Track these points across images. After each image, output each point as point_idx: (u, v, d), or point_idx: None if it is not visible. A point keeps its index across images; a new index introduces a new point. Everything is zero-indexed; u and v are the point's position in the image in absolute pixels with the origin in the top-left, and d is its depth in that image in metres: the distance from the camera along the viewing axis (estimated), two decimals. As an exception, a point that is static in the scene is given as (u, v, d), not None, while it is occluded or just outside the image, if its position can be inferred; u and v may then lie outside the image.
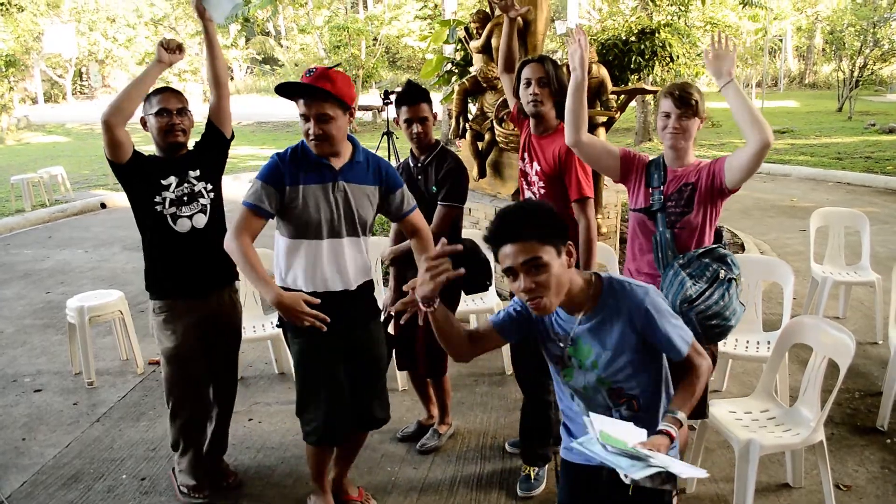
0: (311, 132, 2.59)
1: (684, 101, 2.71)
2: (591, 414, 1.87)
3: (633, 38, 7.19)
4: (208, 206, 3.16)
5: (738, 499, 2.92)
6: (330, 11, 22.51)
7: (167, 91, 3.12)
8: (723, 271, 2.68)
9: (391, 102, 9.17)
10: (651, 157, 2.94)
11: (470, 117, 5.95)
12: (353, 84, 2.71)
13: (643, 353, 1.98)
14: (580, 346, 2.00)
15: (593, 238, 3.08)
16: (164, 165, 3.11)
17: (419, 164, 3.43)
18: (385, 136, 9.85)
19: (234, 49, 26.33)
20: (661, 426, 1.88)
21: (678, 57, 7.17)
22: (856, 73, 19.66)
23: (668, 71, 7.23)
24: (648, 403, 2.04)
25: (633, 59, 6.95)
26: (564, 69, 5.48)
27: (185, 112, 3.09)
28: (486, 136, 5.76)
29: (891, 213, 8.82)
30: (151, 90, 3.13)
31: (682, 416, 1.91)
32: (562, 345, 2.03)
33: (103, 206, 10.62)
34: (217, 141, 3.22)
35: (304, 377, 2.84)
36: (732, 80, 2.58)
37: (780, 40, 27.82)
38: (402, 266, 3.48)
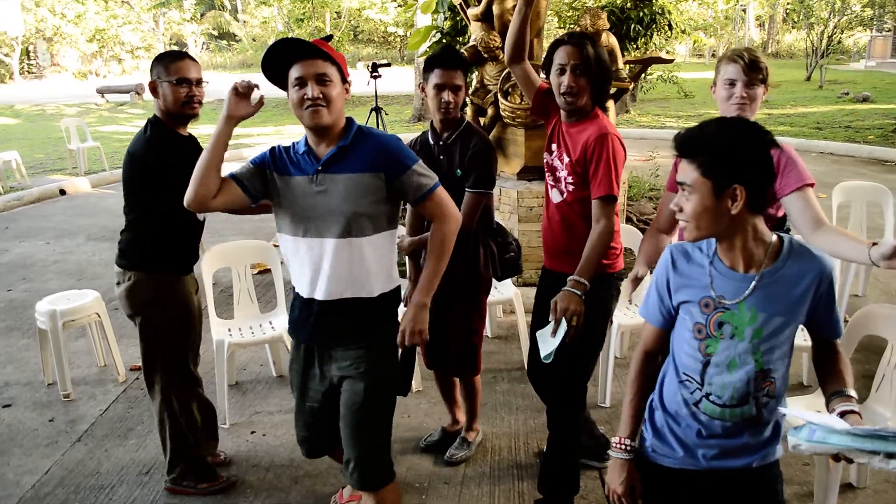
0: (308, 95, 2.19)
1: (754, 65, 2.39)
2: (784, 410, 1.78)
3: (629, 6, 6.85)
4: None
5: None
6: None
7: (186, 58, 2.86)
8: None
9: (379, 76, 8.62)
10: None
11: (470, 90, 5.53)
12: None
13: (797, 327, 1.79)
14: (742, 310, 1.73)
15: (607, 242, 2.61)
16: (196, 150, 2.83)
17: (441, 143, 3.00)
18: (374, 113, 9.29)
19: (192, 24, 25.23)
20: (843, 407, 1.67)
21: (677, 24, 6.84)
22: (824, 43, 19.63)
23: (666, 39, 6.90)
24: (778, 391, 1.80)
25: (633, 28, 6.61)
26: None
27: (202, 82, 2.88)
28: (489, 111, 5.36)
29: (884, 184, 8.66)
30: (168, 55, 2.85)
31: (854, 394, 1.73)
32: (713, 309, 1.76)
33: (63, 192, 9.97)
34: None
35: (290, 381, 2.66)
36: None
37: (744, 11, 27.77)
38: (421, 259, 3.09)
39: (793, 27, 32.46)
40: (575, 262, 2.66)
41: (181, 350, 2.98)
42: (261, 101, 2.34)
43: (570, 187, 2.73)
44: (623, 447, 1.92)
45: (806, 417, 1.54)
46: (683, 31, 7.10)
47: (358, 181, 2.26)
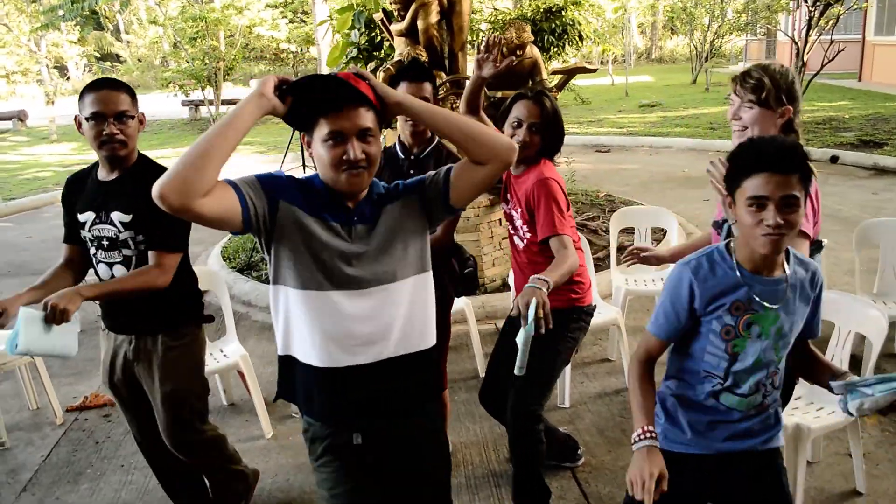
0: (349, 156, 1.75)
1: (745, 86, 2.24)
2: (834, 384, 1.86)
3: (539, 17, 7.05)
4: (133, 258, 2.52)
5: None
6: (182, 1, 21.04)
7: (105, 87, 2.44)
8: None
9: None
10: None
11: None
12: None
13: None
14: (769, 312, 1.85)
15: (573, 265, 2.59)
16: (85, 194, 2.56)
17: (413, 157, 3.00)
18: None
19: (76, 46, 24.04)
20: (842, 379, 1.88)
21: (586, 36, 7.10)
22: (706, 48, 20.79)
23: (578, 50, 7.14)
24: (780, 381, 1.97)
25: (546, 39, 6.81)
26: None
27: (126, 117, 2.43)
28: (420, 125, 5.39)
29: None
30: (88, 86, 2.46)
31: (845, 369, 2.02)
32: (744, 311, 1.86)
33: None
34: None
35: None
36: None
37: (629, 20, 29.00)
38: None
39: (673, 33, 34.14)
40: None
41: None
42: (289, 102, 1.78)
43: (528, 234, 2.83)
44: (648, 434, 1.87)
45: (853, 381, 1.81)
46: (593, 41, 7.37)
47: (401, 207, 1.92)
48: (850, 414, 1.82)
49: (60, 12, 14.09)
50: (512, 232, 2.96)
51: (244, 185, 1.77)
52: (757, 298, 1.84)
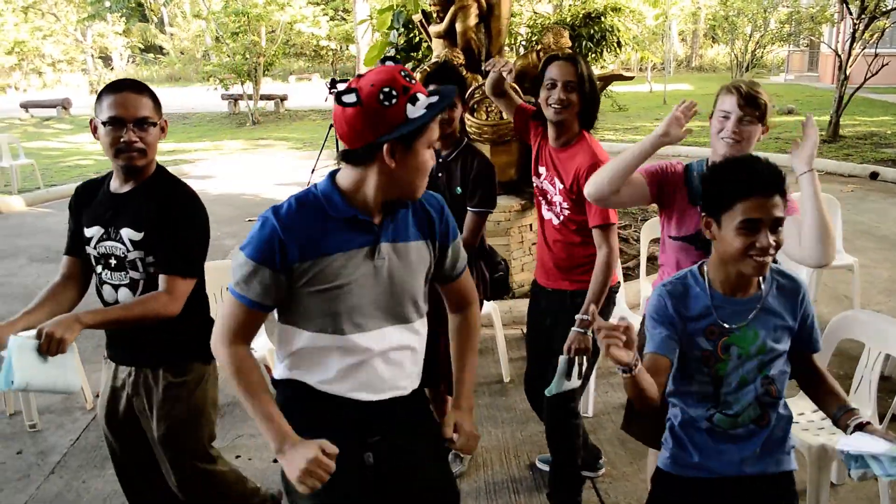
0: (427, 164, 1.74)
1: (751, 100, 2.26)
2: (842, 443, 1.72)
3: (578, 23, 7.03)
4: (141, 282, 2.27)
5: (812, 509, 2.76)
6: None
7: (126, 89, 2.19)
8: None
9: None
10: (687, 163, 2.48)
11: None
12: None
13: (791, 335, 1.91)
14: (745, 332, 1.84)
15: (612, 267, 2.67)
16: (94, 207, 2.32)
17: (441, 160, 3.02)
18: (332, 128, 9.26)
19: (121, 37, 24.55)
20: (855, 421, 1.78)
21: (625, 43, 7.06)
22: (748, 57, 20.54)
23: (616, 56, 7.11)
24: (779, 393, 1.91)
25: (584, 45, 6.78)
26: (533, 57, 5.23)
27: (147, 123, 2.19)
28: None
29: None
30: (106, 87, 2.24)
31: (855, 406, 1.88)
32: (719, 335, 1.85)
33: (-5, 212, 9.55)
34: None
35: None
36: (812, 171, 2.18)
37: (669, 27, 28.79)
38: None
39: (714, 42, 33.77)
40: (571, 279, 2.79)
41: None
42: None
43: (567, 212, 2.79)
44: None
45: (863, 451, 1.67)
46: (632, 48, 7.33)
47: (415, 249, 1.83)
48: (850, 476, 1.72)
49: (107, 3, 14.45)
50: (546, 207, 2.89)
51: (259, 295, 1.69)
52: (725, 322, 1.83)
